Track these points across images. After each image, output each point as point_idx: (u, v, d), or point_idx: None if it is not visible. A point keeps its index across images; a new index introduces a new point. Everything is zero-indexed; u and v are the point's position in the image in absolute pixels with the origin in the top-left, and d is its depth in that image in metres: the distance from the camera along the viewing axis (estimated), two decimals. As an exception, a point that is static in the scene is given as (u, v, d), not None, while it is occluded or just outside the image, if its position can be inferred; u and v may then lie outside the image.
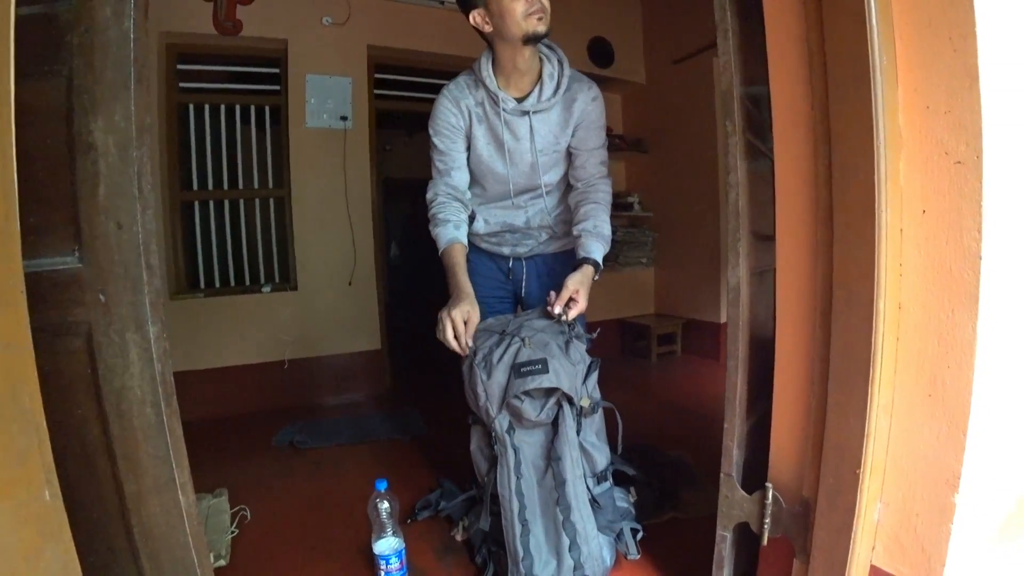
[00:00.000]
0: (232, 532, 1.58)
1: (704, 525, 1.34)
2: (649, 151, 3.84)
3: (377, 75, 3.03)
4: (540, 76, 1.43)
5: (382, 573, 1.32)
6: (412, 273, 6.07)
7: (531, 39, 1.33)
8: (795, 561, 1.02)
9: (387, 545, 1.32)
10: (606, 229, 1.45)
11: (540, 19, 1.30)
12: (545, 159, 1.49)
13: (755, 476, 1.10)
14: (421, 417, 2.59)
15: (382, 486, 1.35)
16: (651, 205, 3.90)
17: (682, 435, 2.31)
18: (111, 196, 0.64)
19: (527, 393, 1.23)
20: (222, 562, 1.44)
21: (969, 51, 0.79)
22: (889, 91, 0.85)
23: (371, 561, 1.35)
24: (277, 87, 2.85)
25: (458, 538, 1.54)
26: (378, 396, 3.04)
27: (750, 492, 1.07)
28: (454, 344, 1.29)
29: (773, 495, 1.03)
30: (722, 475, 1.10)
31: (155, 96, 2.42)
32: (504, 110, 1.41)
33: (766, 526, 1.04)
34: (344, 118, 2.77)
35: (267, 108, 2.90)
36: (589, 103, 1.47)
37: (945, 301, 0.83)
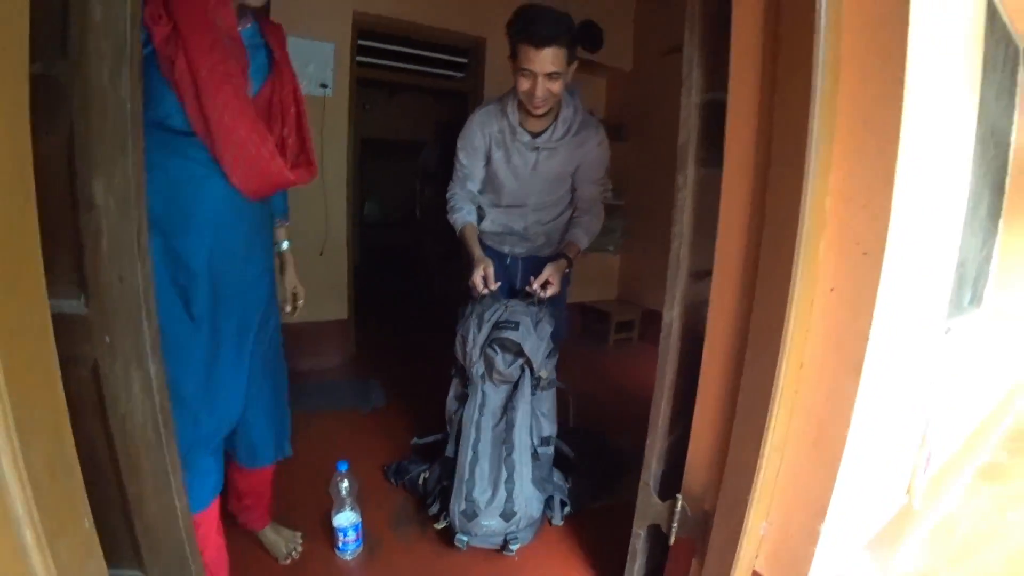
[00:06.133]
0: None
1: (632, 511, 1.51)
2: (627, 139, 3.89)
3: (361, 41, 2.96)
4: (557, 115, 1.64)
5: (340, 543, 1.48)
6: (386, 231, 6.33)
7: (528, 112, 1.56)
8: (694, 560, 1.21)
9: (345, 519, 1.47)
10: (583, 240, 1.83)
11: (537, 107, 1.52)
12: (547, 184, 1.78)
13: (671, 484, 1.27)
14: (382, 388, 2.69)
15: (343, 467, 1.49)
16: (623, 193, 3.98)
17: (629, 421, 2.48)
18: (113, 251, 0.71)
19: (502, 346, 1.57)
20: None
21: (890, 155, 0.90)
22: (820, 178, 0.96)
23: (330, 532, 1.50)
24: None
25: (437, 527, 1.60)
26: (341, 364, 3.08)
27: (664, 499, 1.25)
28: (485, 289, 1.62)
29: (682, 505, 1.21)
30: (641, 483, 1.27)
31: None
32: (520, 142, 1.65)
33: (674, 529, 1.22)
34: (324, 86, 2.71)
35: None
36: (595, 148, 1.74)
37: (836, 367, 0.98)
